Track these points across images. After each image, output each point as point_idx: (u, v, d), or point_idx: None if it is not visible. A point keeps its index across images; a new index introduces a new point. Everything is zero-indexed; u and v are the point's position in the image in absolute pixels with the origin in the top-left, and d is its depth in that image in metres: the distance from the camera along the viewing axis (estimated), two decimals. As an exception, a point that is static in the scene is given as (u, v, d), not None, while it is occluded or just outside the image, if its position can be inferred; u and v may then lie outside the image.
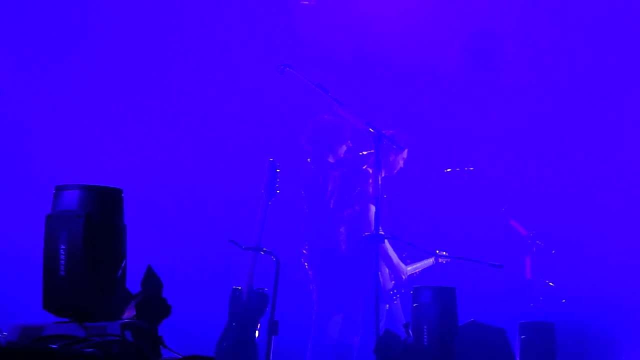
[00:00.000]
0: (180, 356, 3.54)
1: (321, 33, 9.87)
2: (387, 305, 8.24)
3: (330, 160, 8.24)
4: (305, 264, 8.22)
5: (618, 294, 9.78)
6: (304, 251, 8.21)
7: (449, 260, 8.63)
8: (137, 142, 9.15)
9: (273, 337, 6.60)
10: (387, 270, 8.23)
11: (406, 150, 8.39)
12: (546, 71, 10.23)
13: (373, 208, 7.19)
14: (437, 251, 8.55)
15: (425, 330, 5.82)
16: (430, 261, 8.59)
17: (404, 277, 8.35)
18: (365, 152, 8.23)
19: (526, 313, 8.91)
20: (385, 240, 7.97)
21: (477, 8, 10.12)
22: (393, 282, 8.30)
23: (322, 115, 8.32)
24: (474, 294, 8.67)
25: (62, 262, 3.58)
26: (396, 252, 8.35)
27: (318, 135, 8.27)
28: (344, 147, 8.30)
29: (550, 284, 9.21)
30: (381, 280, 8.05)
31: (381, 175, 7.06)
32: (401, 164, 8.45)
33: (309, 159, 8.28)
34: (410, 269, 8.44)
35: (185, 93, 9.39)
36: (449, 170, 9.22)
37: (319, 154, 8.24)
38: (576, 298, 9.41)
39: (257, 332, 7.02)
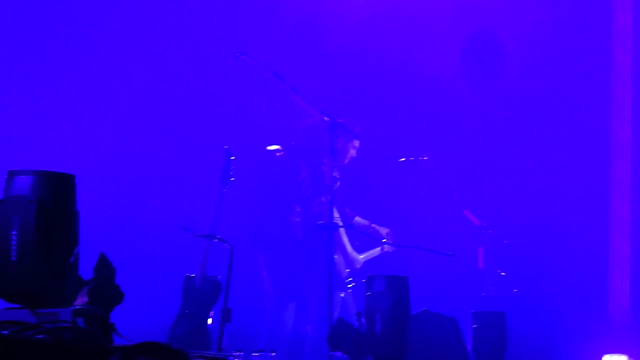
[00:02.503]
0: (132, 343, 3.53)
1: (276, 21, 9.85)
2: (342, 294, 8.26)
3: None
4: (258, 250, 8.22)
5: (568, 284, 9.87)
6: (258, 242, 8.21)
7: (394, 249, 8.68)
8: (90, 128, 9.08)
9: (226, 324, 6.60)
10: (342, 258, 8.24)
11: (357, 140, 8.37)
12: (495, 58, 10.28)
13: (327, 197, 7.20)
14: (384, 240, 8.59)
15: (378, 318, 5.84)
16: (377, 250, 8.64)
17: (357, 266, 8.38)
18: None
19: (478, 302, 8.97)
20: (341, 229, 7.99)
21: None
22: (347, 270, 8.32)
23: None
24: (427, 283, 8.70)
25: (14, 247, 3.56)
26: (350, 241, 8.37)
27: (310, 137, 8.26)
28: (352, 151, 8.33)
29: (502, 273, 9.27)
30: (336, 268, 8.07)
31: (334, 164, 7.08)
32: (353, 153, 8.44)
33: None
34: (362, 257, 8.47)
35: (139, 79, 9.32)
36: (402, 159, 9.25)
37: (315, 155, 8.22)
38: (527, 288, 9.48)
39: (210, 320, 7.02)
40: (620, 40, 10.06)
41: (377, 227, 8.67)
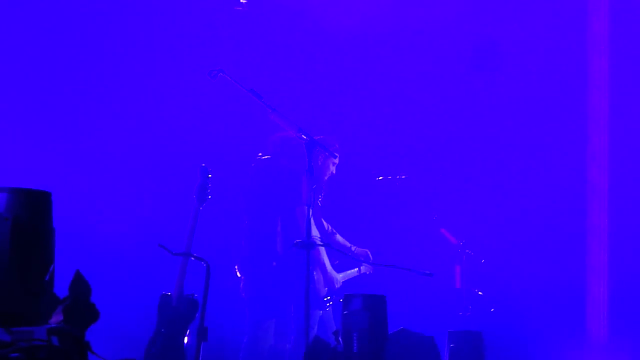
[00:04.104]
0: (108, 362, 3.50)
1: (254, 39, 9.85)
2: (320, 312, 8.23)
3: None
4: (237, 268, 8.18)
5: (545, 304, 9.89)
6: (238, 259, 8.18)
7: (371, 271, 8.68)
8: (66, 144, 9.04)
9: (202, 343, 6.56)
10: (321, 276, 8.21)
11: (337, 157, 8.36)
12: (477, 80, 10.32)
13: (306, 210, 7.18)
14: (363, 262, 8.59)
15: (355, 337, 5.83)
16: (354, 271, 8.64)
17: (337, 285, 8.35)
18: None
19: (455, 322, 8.96)
20: (321, 247, 7.97)
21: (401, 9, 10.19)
22: (326, 288, 8.29)
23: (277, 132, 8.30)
24: (404, 302, 8.69)
25: (-12, 265, 3.53)
26: (329, 260, 8.35)
27: (282, 149, 8.23)
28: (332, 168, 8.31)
29: (479, 293, 9.27)
30: (315, 286, 8.04)
31: (313, 181, 7.06)
32: (332, 169, 8.44)
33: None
34: (341, 276, 8.45)
35: (117, 96, 9.30)
36: (380, 178, 9.25)
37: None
38: (504, 307, 9.48)
39: (186, 338, 6.98)
40: (596, 45, 10.11)
41: (357, 249, 8.65)
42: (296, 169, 8.10)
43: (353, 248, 8.66)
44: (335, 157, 8.25)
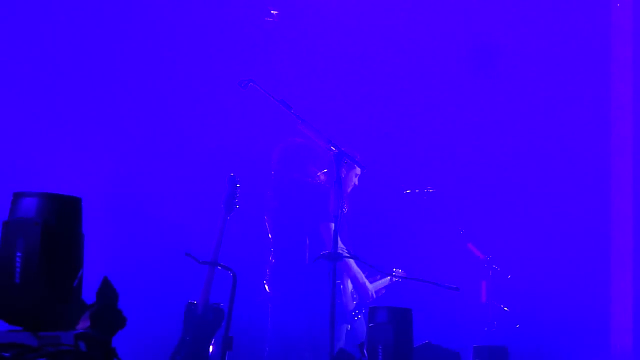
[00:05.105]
0: (134, 369, 3.52)
1: (285, 49, 9.88)
2: (349, 326, 8.19)
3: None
4: (265, 283, 8.18)
5: (570, 320, 9.85)
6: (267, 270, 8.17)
7: (404, 278, 8.63)
8: (98, 151, 9.08)
9: (227, 352, 6.57)
10: (349, 289, 8.18)
11: (358, 168, 8.31)
12: (506, 96, 10.30)
13: (332, 226, 7.17)
14: (394, 269, 8.56)
15: (380, 350, 5.81)
16: (387, 280, 8.58)
17: (371, 296, 8.28)
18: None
19: (480, 337, 8.94)
20: (351, 260, 7.94)
21: (429, 25, 10.20)
22: (355, 302, 8.25)
23: (289, 137, 8.31)
24: (430, 315, 8.68)
25: (18, 269, 3.54)
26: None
27: (289, 157, 8.22)
28: (322, 176, 8.27)
29: (505, 308, 9.24)
30: (341, 299, 8.02)
31: (340, 194, 7.05)
32: (355, 181, 8.40)
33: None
34: (372, 287, 8.39)
35: (149, 105, 9.34)
36: (408, 191, 9.24)
37: (289, 175, 8.18)
38: (530, 323, 9.46)
39: (211, 347, 6.99)
40: (620, 42, 10.07)
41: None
42: (320, 184, 8.11)
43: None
44: (357, 167, 8.21)
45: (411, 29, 10.20)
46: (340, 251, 7.20)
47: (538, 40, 10.25)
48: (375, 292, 8.43)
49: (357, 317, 8.25)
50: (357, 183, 8.42)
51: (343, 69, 10.05)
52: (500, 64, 10.34)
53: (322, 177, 8.24)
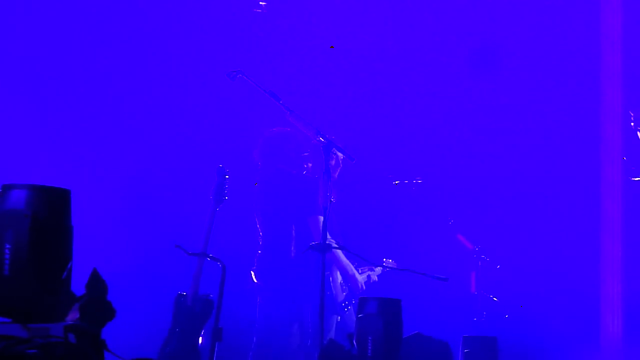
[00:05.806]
0: (123, 360, 3.52)
1: (273, 41, 9.87)
2: (339, 317, 8.19)
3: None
4: (252, 274, 8.17)
5: (559, 310, 9.87)
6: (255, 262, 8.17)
7: (393, 269, 8.62)
8: (86, 143, 9.07)
9: (217, 343, 6.57)
10: (339, 280, 8.17)
11: (340, 153, 8.23)
12: (495, 85, 10.31)
13: (321, 218, 7.17)
14: (385, 259, 8.56)
15: (369, 341, 5.82)
16: (378, 270, 8.57)
17: (360, 286, 8.28)
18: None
19: (470, 327, 8.95)
20: (339, 250, 7.94)
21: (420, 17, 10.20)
22: (345, 293, 8.25)
23: (270, 128, 8.30)
24: (419, 306, 8.68)
25: (7, 261, 3.54)
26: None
27: (272, 148, 8.21)
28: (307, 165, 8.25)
29: (494, 299, 9.26)
30: (331, 290, 8.01)
31: (329, 184, 7.04)
32: (340, 163, 8.30)
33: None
34: (362, 277, 8.39)
35: (136, 96, 9.32)
36: (397, 182, 9.24)
37: (275, 166, 8.17)
38: (519, 314, 9.47)
39: (200, 339, 6.99)
40: (609, 42, 10.09)
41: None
42: (306, 175, 8.10)
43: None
44: (341, 155, 8.10)
45: (397, 18, 10.20)
46: (330, 242, 7.19)
47: (525, 36, 10.25)
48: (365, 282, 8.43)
49: (347, 309, 8.24)
50: (341, 165, 8.33)
51: (331, 60, 10.05)
52: (488, 56, 10.34)
53: (309, 167, 8.23)
